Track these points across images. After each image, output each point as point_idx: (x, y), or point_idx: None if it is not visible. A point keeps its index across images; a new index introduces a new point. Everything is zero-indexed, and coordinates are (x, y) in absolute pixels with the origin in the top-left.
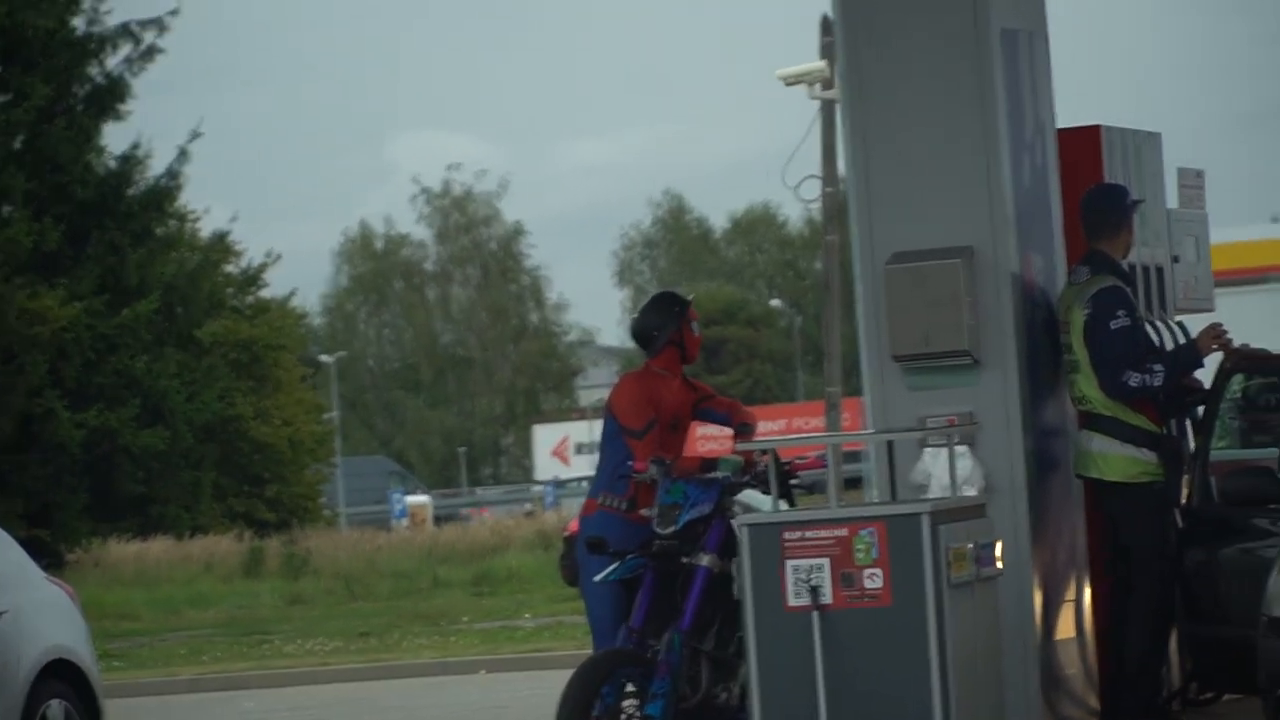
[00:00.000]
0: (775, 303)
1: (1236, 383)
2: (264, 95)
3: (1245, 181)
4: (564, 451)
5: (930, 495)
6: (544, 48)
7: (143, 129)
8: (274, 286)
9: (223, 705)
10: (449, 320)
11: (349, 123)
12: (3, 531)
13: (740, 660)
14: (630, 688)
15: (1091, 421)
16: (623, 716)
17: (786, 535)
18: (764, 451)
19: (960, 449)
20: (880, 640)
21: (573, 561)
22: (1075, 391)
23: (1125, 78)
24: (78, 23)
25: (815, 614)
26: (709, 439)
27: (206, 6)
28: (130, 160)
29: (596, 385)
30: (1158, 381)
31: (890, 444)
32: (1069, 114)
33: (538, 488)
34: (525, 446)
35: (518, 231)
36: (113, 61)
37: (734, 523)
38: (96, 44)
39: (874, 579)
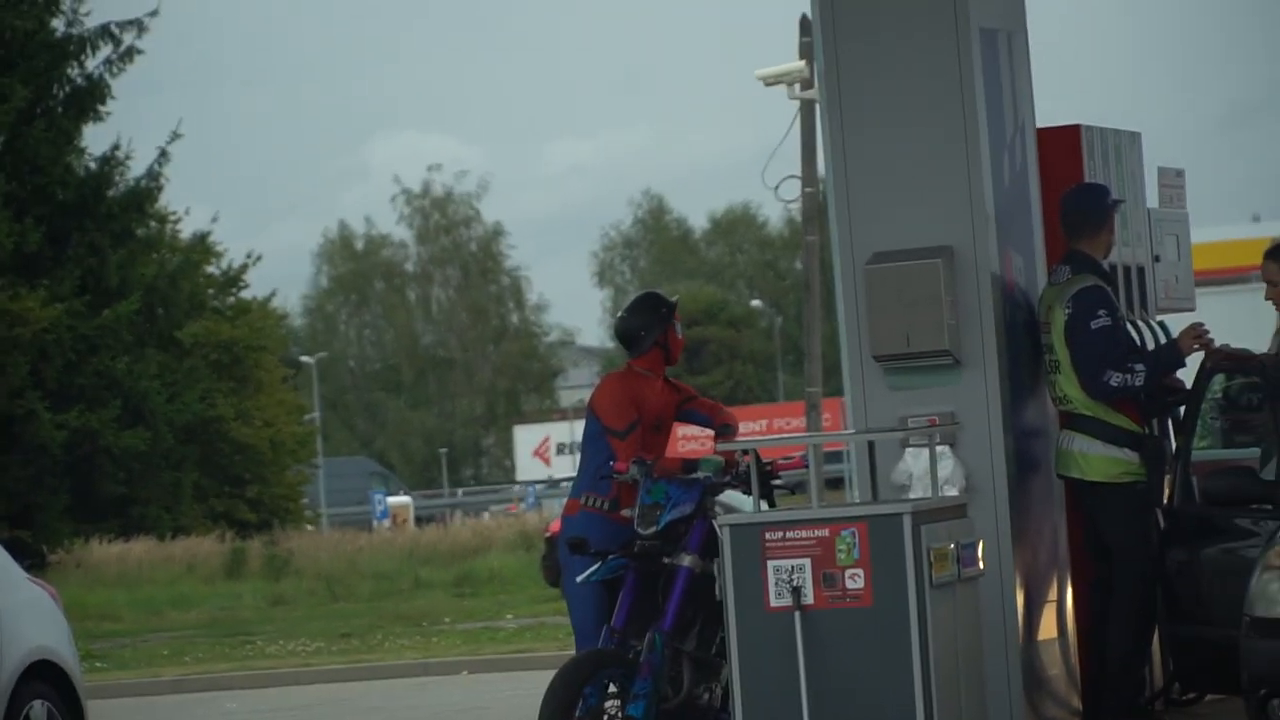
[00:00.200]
0: (756, 303)
1: (1218, 382)
2: (245, 96)
3: (1226, 181)
4: (545, 452)
5: (912, 495)
6: (523, 49)
7: (123, 130)
8: (255, 287)
9: (205, 706)
10: (429, 321)
11: (330, 124)
12: None
13: (722, 661)
14: (613, 688)
15: (1073, 421)
16: (605, 717)
17: (768, 535)
18: (745, 452)
19: (941, 449)
20: (862, 641)
21: (554, 562)
22: (1056, 391)
23: (1105, 77)
24: (57, 24)
25: (797, 614)
26: (690, 439)
27: (186, 8)
28: (110, 161)
29: (577, 386)
30: (1139, 381)
31: (871, 444)
32: (1049, 113)
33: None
34: (506, 447)
35: (498, 232)
36: (92, 63)
37: (715, 523)
38: (76, 45)
39: (855, 579)
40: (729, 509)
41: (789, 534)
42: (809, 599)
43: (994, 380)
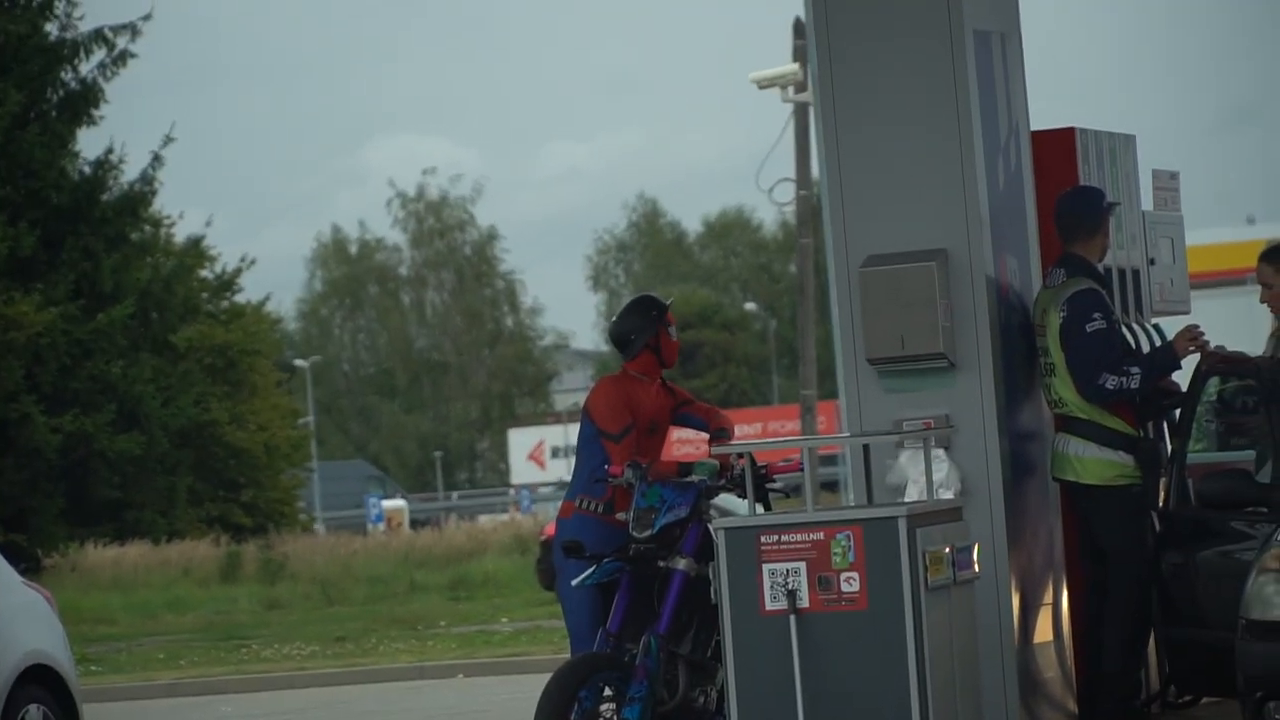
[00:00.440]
0: (750, 306)
1: (1213, 385)
2: (238, 100)
3: (1221, 184)
4: (540, 455)
5: (907, 498)
6: (519, 52)
7: (116, 134)
8: (249, 291)
9: (200, 710)
10: (424, 325)
11: (325, 127)
12: None
13: (717, 664)
14: (608, 691)
15: (1068, 424)
16: None
17: (763, 539)
18: (740, 455)
19: (937, 452)
20: (857, 644)
21: (549, 566)
22: (1051, 394)
23: (1099, 79)
24: (50, 28)
25: (792, 617)
26: (684, 443)
27: (179, 11)
28: (104, 165)
29: (571, 389)
30: (1134, 384)
31: (866, 447)
32: (1043, 116)
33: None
34: (501, 451)
35: (492, 236)
36: (86, 67)
37: (711, 526)
38: (70, 49)
39: (851, 582)
40: (724, 512)
41: (784, 537)
42: (804, 602)
43: (989, 383)
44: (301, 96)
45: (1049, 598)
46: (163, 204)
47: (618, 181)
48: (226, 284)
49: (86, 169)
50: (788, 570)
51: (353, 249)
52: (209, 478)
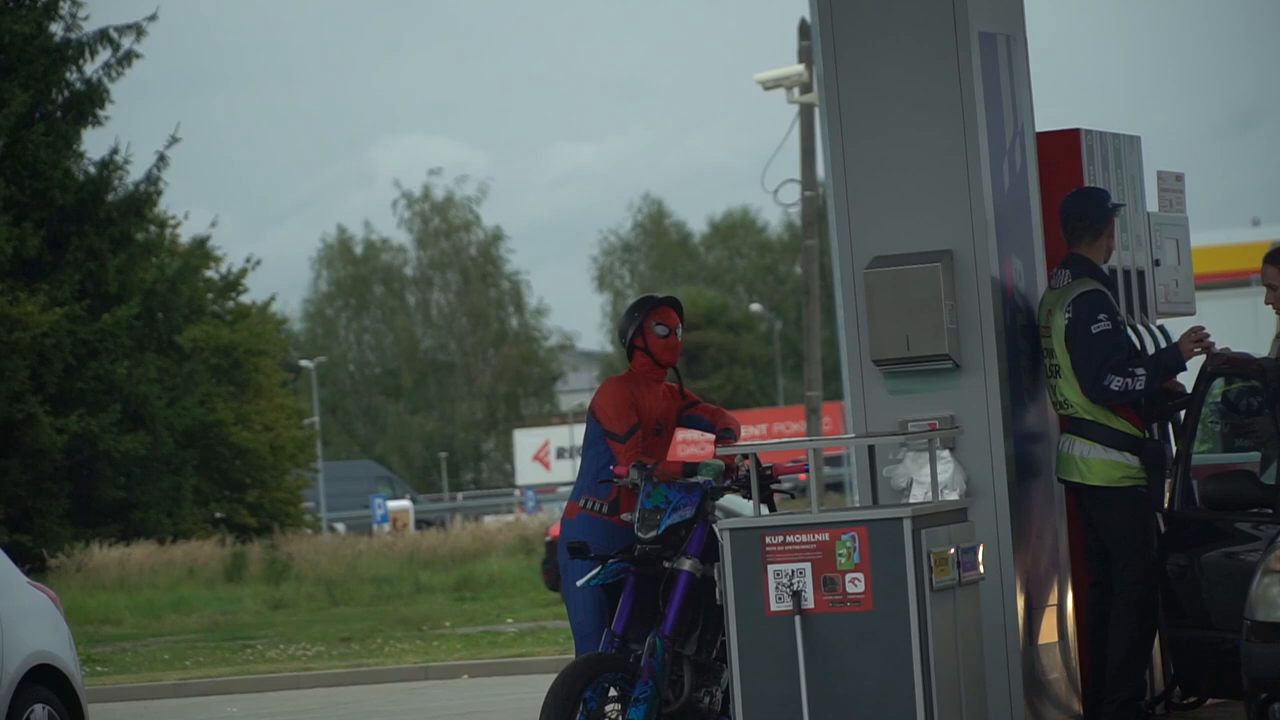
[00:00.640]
0: (755, 307)
1: (1218, 386)
2: (245, 100)
3: (1226, 185)
4: (545, 456)
5: (912, 499)
6: (525, 53)
7: (121, 135)
8: (254, 291)
9: (206, 710)
10: (429, 325)
11: (330, 128)
12: None
13: (722, 664)
14: (613, 692)
15: (1073, 425)
16: None
17: (768, 540)
18: (745, 456)
19: (942, 453)
20: (862, 644)
21: (554, 566)
22: (1057, 395)
23: (1104, 81)
24: (55, 29)
25: (797, 618)
26: (690, 444)
27: (184, 12)
28: (109, 166)
29: (577, 390)
30: (1140, 385)
31: (871, 448)
32: (1048, 117)
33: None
34: (506, 451)
35: (497, 236)
36: (91, 67)
37: (716, 527)
38: (75, 50)
39: (856, 583)
40: (729, 513)
41: (789, 538)
42: (809, 603)
43: (994, 384)
44: (307, 97)
45: (1054, 599)
46: (168, 204)
47: (623, 182)
48: (232, 284)
49: (92, 169)
50: (793, 571)
51: (358, 249)
52: (214, 478)
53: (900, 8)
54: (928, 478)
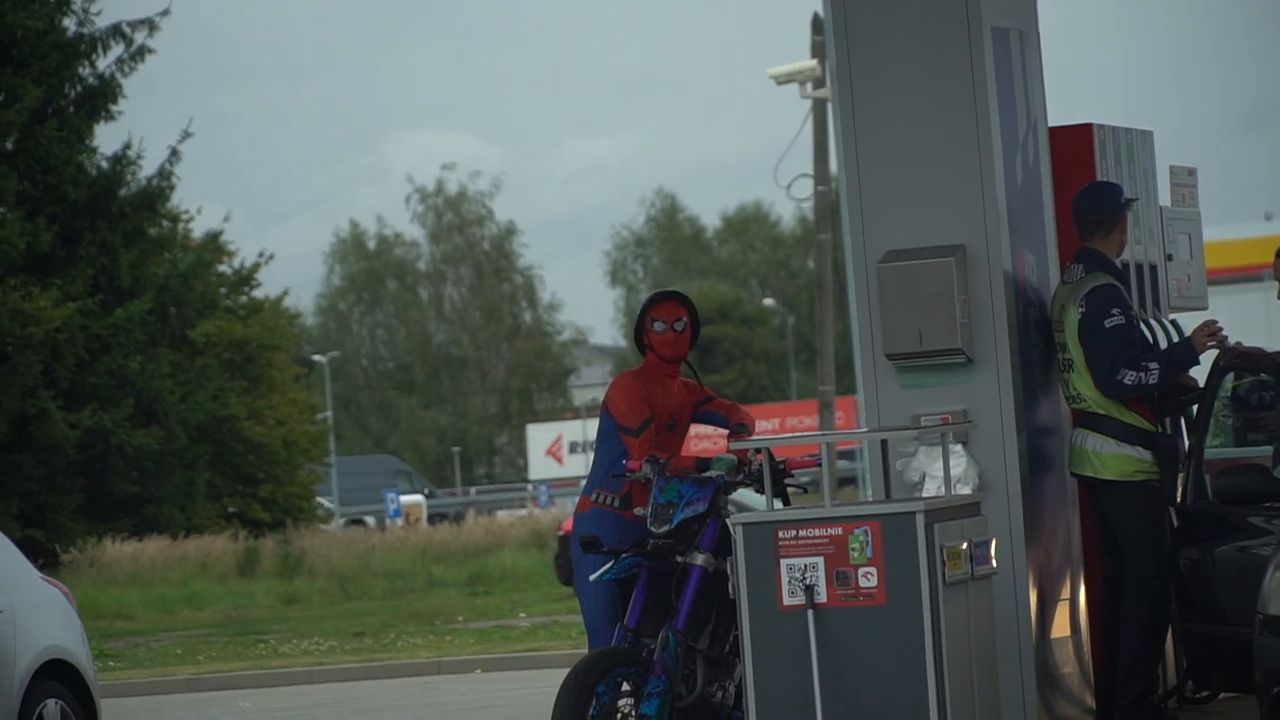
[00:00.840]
0: (768, 302)
1: (1230, 380)
2: (258, 95)
3: (1238, 179)
4: (558, 451)
5: (925, 494)
6: (539, 48)
7: (134, 129)
8: (267, 286)
9: (219, 705)
10: (442, 320)
11: (344, 123)
12: None
13: (735, 659)
14: (626, 687)
15: (1087, 420)
16: (618, 715)
17: (781, 534)
18: (758, 450)
19: (954, 447)
20: (875, 639)
21: (567, 560)
22: (1070, 390)
23: (1117, 75)
24: (68, 23)
25: (810, 612)
26: (703, 438)
27: (197, 6)
28: (122, 161)
29: (590, 385)
30: (1153, 379)
31: (884, 442)
32: (1061, 112)
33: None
34: (519, 446)
35: (510, 231)
36: (104, 62)
37: (729, 522)
38: (87, 45)
39: (869, 577)
40: (742, 508)
41: (802, 532)
42: (822, 597)
43: (1007, 379)
44: (321, 91)
45: (1066, 593)
46: (181, 199)
47: (636, 177)
48: (245, 279)
49: (104, 164)
50: (805, 565)
51: (371, 244)
52: (227, 473)
53: (913, 2)
54: (940, 472)
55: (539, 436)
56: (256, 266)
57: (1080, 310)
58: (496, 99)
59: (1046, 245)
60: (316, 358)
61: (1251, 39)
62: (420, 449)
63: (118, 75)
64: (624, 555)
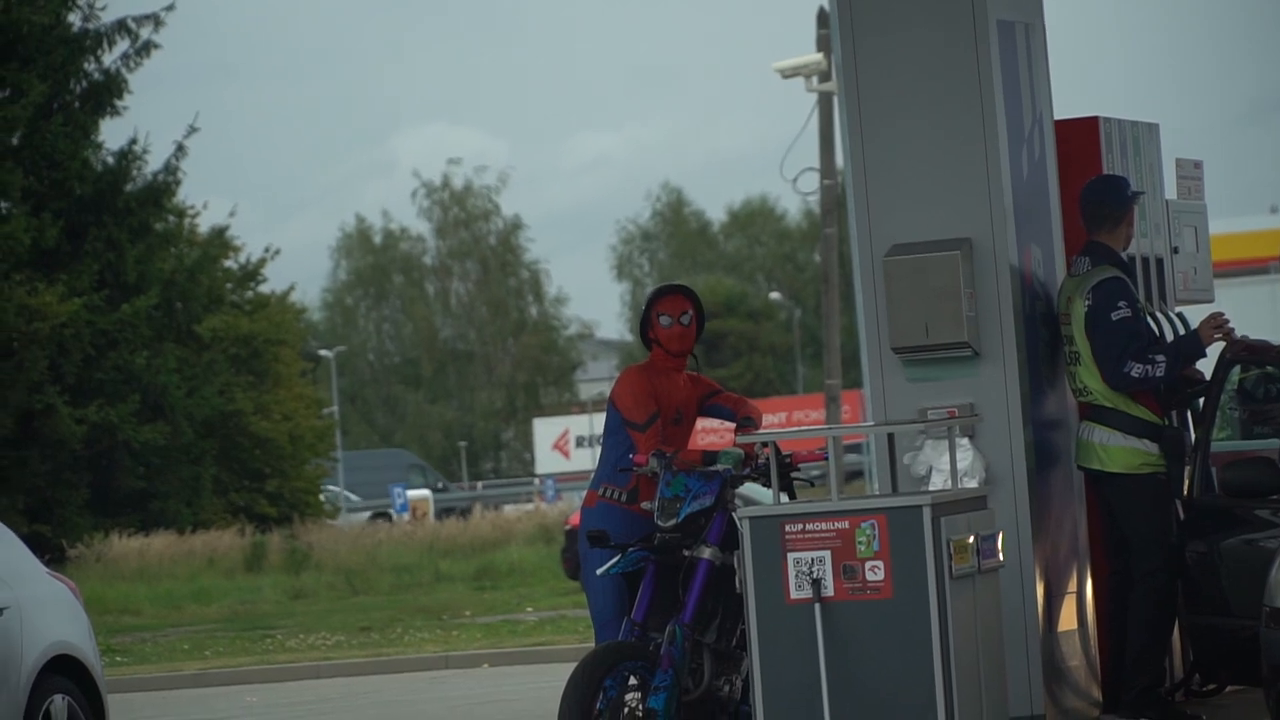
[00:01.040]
0: (774, 296)
1: (1237, 373)
2: (264, 90)
3: (1244, 172)
4: (565, 445)
5: (931, 487)
6: (546, 42)
7: (140, 125)
8: (273, 281)
9: (226, 700)
10: (448, 314)
11: (350, 118)
12: (4, 527)
13: (743, 653)
14: (633, 680)
15: (1093, 413)
16: (625, 709)
17: (788, 528)
18: (764, 444)
19: (961, 441)
20: (882, 632)
21: (574, 555)
22: (1077, 383)
23: (1123, 68)
24: (74, 19)
25: (817, 606)
26: (709, 432)
27: (203, 1)
28: (128, 156)
29: (596, 379)
30: (1160, 372)
31: (891, 436)
32: (1067, 105)
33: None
34: (526, 440)
35: (517, 225)
36: (109, 57)
37: (735, 515)
38: (93, 40)
39: (875, 571)
40: (749, 501)
41: (809, 526)
42: (829, 591)
43: (1013, 372)
44: (327, 86)
45: (1073, 586)
46: (186, 194)
47: (642, 171)
48: (251, 274)
49: (110, 159)
50: (812, 559)
51: (377, 239)
52: (233, 467)
53: None
54: (947, 465)
55: (545, 431)
56: (263, 261)
57: (1087, 303)
58: (502, 94)
59: (1053, 238)
60: (323, 352)
61: (1258, 32)
62: (427, 443)
63: (123, 70)
64: (631, 549)
